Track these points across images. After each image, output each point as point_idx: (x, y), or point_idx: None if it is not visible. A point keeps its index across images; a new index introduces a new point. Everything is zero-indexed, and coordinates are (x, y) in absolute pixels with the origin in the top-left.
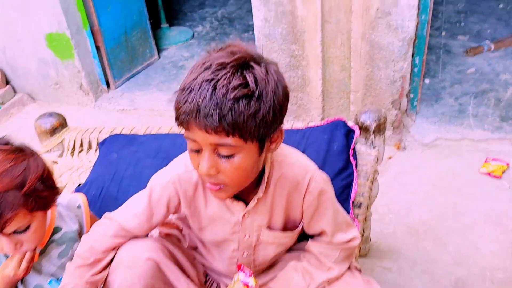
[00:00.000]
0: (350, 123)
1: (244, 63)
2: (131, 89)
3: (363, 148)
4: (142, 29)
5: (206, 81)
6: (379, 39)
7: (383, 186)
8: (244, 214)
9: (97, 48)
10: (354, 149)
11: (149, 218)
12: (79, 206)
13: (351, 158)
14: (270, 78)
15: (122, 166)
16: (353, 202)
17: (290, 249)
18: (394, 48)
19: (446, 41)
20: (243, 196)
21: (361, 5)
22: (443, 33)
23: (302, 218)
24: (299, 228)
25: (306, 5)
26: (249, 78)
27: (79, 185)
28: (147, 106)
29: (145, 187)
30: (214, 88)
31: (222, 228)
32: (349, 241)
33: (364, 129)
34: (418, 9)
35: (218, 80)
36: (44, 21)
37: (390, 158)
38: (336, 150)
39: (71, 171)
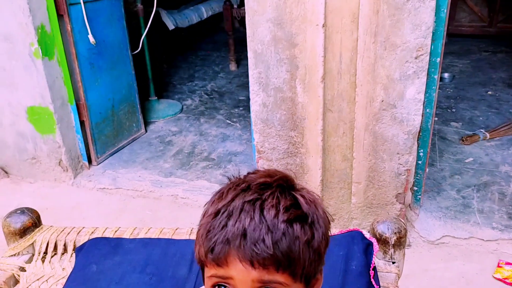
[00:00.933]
0: (367, 235)
1: (289, 183)
2: (114, 165)
3: (381, 264)
4: (130, 103)
5: (249, 201)
6: (383, 131)
7: None
8: None
9: (81, 122)
10: (374, 268)
11: None
12: None
13: (373, 281)
14: (317, 202)
15: (103, 284)
16: None
17: None
18: (399, 140)
19: (440, 127)
20: None
21: (365, 96)
22: (436, 119)
23: None
24: None
25: (308, 93)
26: (300, 199)
27: None
28: (130, 186)
29: None
30: (262, 209)
31: None
32: None
33: (382, 241)
34: (423, 102)
35: (264, 200)
36: (27, 94)
37: None
38: (355, 271)
39: (39, 281)
